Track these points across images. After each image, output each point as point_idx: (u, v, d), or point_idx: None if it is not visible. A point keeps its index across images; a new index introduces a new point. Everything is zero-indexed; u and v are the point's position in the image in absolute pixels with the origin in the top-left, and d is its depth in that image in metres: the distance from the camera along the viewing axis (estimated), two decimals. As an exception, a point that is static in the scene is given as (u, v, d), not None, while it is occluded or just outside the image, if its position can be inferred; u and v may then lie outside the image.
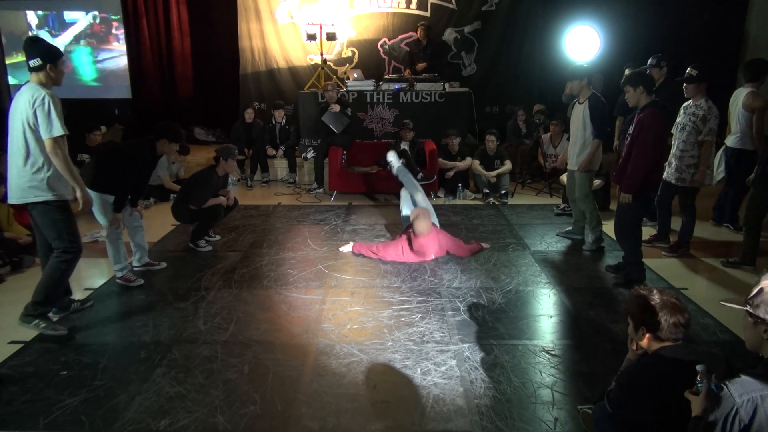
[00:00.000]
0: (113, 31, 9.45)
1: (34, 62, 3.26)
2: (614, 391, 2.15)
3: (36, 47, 3.31)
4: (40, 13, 9.39)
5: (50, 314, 3.57)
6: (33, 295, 3.47)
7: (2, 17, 9.26)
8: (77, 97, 9.35)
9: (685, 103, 4.74)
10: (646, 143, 3.93)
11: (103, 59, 9.55)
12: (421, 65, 8.37)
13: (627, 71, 5.68)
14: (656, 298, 2.04)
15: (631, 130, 4.13)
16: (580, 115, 4.83)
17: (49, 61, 3.28)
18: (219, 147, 5.29)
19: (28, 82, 3.32)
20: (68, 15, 9.40)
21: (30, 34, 9.00)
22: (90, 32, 9.53)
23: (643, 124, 3.94)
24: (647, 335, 2.05)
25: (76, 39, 9.51)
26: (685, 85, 4.68)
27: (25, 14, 9.32)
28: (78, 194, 3.40)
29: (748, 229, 4.56)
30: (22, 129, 3.24)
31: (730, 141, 5.31)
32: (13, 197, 3.37)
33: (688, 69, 4.74)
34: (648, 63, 5.61)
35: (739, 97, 5.19)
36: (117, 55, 9.49)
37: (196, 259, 4.81)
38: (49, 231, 3.41)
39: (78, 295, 3.99)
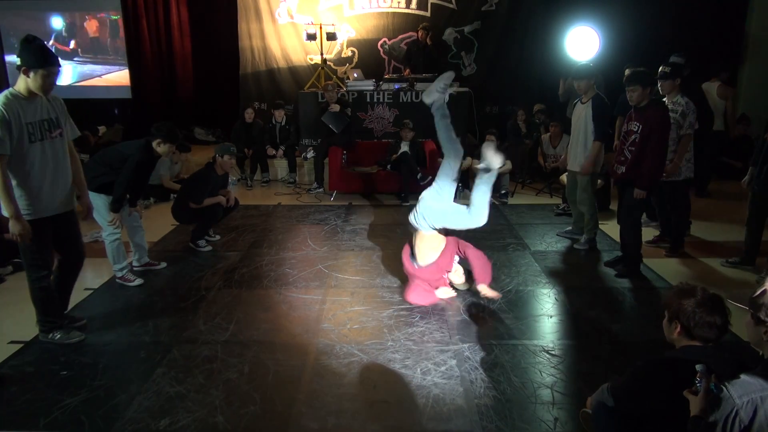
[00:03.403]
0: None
1: (17, 63, 2.97)
2: (624, 378, 2.13)
3: (23, 47, 2.94)
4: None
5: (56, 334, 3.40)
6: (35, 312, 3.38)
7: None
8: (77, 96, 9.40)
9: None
10: (660, 141, 4.09)
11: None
12: (406, 72, 8.35)
13: (627, 71, 5.66)
14: (698, 294, 2.01)
15: (633, 127, 4.18)
16: (582, 115, 4.82)
17: (27, 65, 2.91)
18: (217, 146, 5.33)
19: None
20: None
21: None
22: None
23: (653, 122, 4.06)
24: (678, 328, 2.03)
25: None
26: (660, 82, 4.69)
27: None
28: (10, 223, 2.98)
29: (750, 229, 4.56)
30: None
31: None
32: None
33: (661, 66, 4.76)
34: (671, 60, 5.61)
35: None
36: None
37: (196, 259, 4.82)
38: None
39: (79, 295, 3.99)
